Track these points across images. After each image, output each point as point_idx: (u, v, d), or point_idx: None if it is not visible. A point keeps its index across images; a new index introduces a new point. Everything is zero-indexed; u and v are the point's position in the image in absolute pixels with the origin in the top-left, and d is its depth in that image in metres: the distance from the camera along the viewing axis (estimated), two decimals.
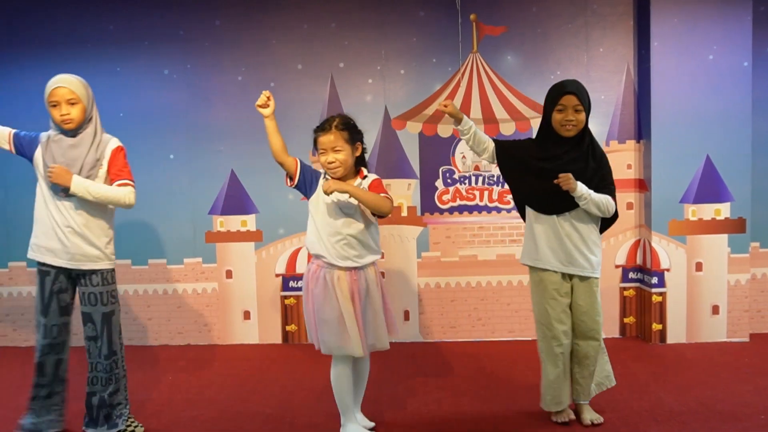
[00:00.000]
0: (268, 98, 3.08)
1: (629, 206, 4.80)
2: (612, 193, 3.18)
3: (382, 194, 3.03)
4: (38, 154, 3.11)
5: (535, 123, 4.75)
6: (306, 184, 3.14)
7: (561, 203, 3.14)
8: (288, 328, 4.93)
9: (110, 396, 3.22)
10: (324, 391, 3.85)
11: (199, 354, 4.64)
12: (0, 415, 3.60)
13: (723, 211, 4.60)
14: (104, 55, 4.82)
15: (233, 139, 4.84)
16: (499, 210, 4.82)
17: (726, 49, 4.50)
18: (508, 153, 3.29)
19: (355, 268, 3.04)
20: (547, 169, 3.14)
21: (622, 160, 4.77)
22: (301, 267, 4.88)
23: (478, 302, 4.87)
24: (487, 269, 4.85)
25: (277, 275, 4.90)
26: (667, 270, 4.64)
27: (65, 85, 3.08)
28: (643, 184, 4.73)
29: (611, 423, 3.26)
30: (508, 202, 4.80)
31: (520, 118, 4.76)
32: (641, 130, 4.73)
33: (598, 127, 4.75)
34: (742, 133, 4.54)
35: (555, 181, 3.04)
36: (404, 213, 4.84)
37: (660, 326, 4.66)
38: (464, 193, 4.83)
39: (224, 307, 4.92)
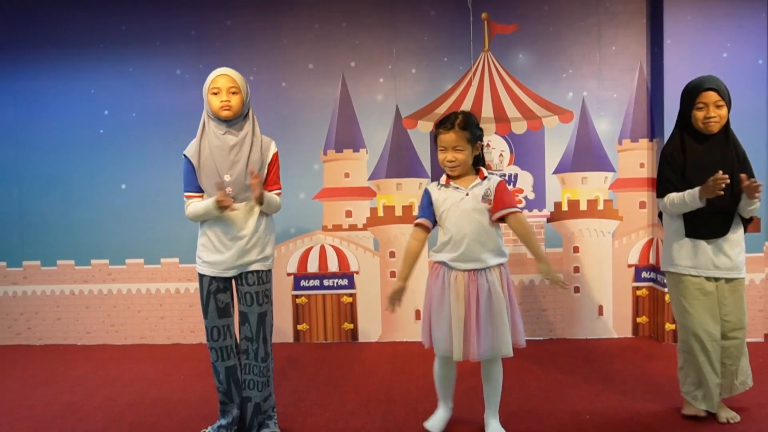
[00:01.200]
0: None
1: (642, 205, 4.77)
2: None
3: (513, 210, 3.02)
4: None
5: (547, 122, 4.73)
6: (433, 218, 3.14)
7: (724, 227, 3.18)
8: (299, 327, 4.94)
9: (264, 401, 3.18)
10: (334, 389, 3.86)
11: None
12: (13, 412, 3.62)
13: None
14: (117, 55, 4.85)
15: None
16: None
17: (740, 47, 4.46)
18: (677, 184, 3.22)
19: (475, 270, 3.02)
20: (697, 171, 3.11)
21: (635, 158, 4.74)
22: (312, 266, 4.89)
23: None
24: None
25: (289, 274, 4.91)
26: None
27: (228, 74, 3.04)
28: (655, 183, 4.70)
29: (625, 424, 3.24)
30: (520, 201, 4.78)
31: (531, 117, 4.74)
32: (654, 128, 4.70)
33: (610, 126, 4.73)
34: (756, 131, 4.50)
35: (743, 186, 3.02)
36: (415, 212, 4.82)
37: (673, 326, 4.63)
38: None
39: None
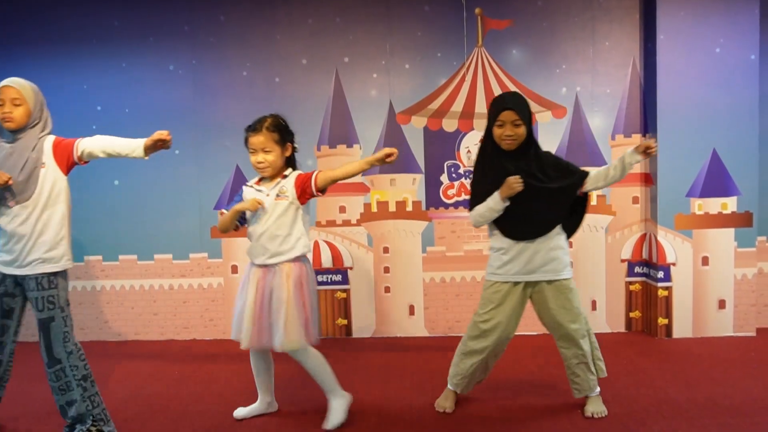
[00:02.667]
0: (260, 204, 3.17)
1: (635, 200, 4.78)
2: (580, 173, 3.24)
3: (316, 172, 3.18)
4: None
5: (541, 117, 4.74)
6: (242, 217, 3.28)
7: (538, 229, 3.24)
8: None
9: (68, 405, 3.12)
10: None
11: (204, 349, 4.65)
12: (9, 409, 3.61)
13: (730, 205, 4.58)
14: (109, 51, 4.82)
15: (239, 134, 4.73)
16: None
17: (733, 42, 4.48)
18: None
19: (267, 266, 3.16)
20: (494, 186, 3.20)
21: None
22: None
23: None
24: None
25: None
26: (673, 264, 4.62)
27: (13, 85, 3.04)
28: (649, 178, 4.72)
29: (618, 418, 3.26)
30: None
31: None
32: (647, 124, 4.71)
33: (604, 121, 4.74)
34: (749, 126, 4.52)
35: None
36: (409, 208, 4.83)
37: (666, 321, 4.65)
38: (469, 187, 4.81)
39: (230, 302, 4.93)
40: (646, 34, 4.65)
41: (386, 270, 4.89)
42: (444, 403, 3.42)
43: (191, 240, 4.92)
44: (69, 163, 3.15)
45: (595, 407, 3.31)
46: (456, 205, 4.82)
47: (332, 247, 4.89)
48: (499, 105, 3.18)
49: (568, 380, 3.39)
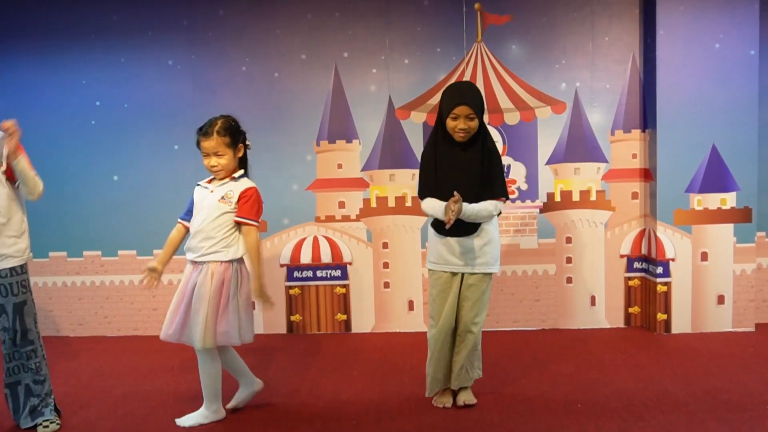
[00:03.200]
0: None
1: (634, 196, 4.78)
2: (501, 195, 3.30)
3: (245, 220, 3.20)
4: None
5: (540, 113, 4.74)
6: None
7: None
8: (293, 318, 4.95)
9: (35, 385, 3.24)
10: (328, 379, 3.87)
11: None
12: (7, 406, 3.62)
13: (729, 200, 4.58)
14: (108, 46, 4.81)
15: None
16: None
17: (732, 37, 4.47)
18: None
19: (196, 262, 3.22)
20: (440, 178, 3.29)
21: (627, 149, 4.76)
22: (305, 257, 4.89)
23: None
24: None
25: (282, 265, 4.90)
26: (672, 260, 4.63)
27: None
28: (648, 174, 4.72)
29: (617, 412, 3.27)
30: (513, 192, 4.79)
31: (525, 108, 4.75)
32: (647, 119, 4.71)
33: (603, 116, 4.74)
34: (748, 122, 4.52)
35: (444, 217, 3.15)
36: (408, 203, 4.83)
37: (665, 316, 4.66)
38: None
39: None
40: (645, 30, 4.64)
41: (385, 265, 4.89)
42: (442, 398, 3.43)
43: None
44: None
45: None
46: None
47: (331, 243, 4.89)
48: (455, 98, 3.21)
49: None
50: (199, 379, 3.29)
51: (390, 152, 4.80)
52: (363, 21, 4.76)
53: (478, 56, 4.75)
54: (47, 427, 3.21)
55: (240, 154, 3.26)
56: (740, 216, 4.59)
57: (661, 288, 4.63)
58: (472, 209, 3.18)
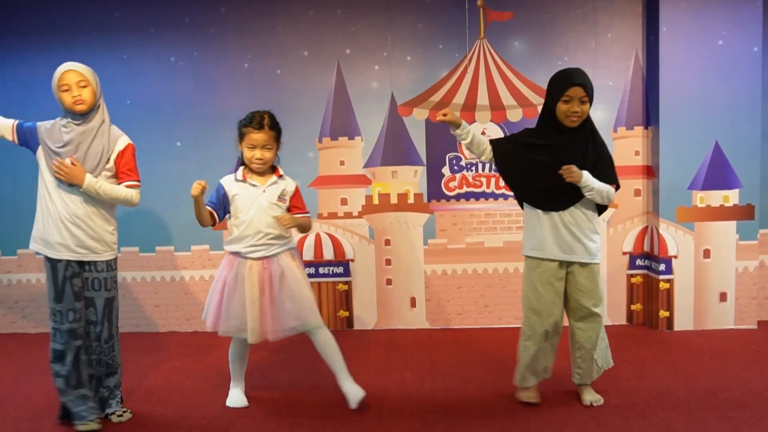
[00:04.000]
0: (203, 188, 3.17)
1: (637, 193, 4.78)
2: (612, 182, 3.19)
3: (306, 214, 3.37)
4: (41, 145, 3.15)
5: None
6: (224, 211, 3.32)
7: (563, 199, 3.18)
8: None
9: (107, 378, 3.30)
10: (330, 376, 3.87)
11: (206, 340, 4.66)
12: (11, 400, 3.63)
13: (731, 197, 4.57)
14: (110, 42, 4.82)
15: None
16: (506, 197, 4.81)
17: (736, 34, 4.46)
18: (504, 152, 3.32)
19: (267, 258, 3.25)
20: (544, 162, 3.17)
21: (630, 146, 4.75)
22: (307, 254, 4.89)
23: (485, 289, 4.87)
24: (493, 256, 4.84)
25: None
26: (675, 257, 4.62)
27: (74, 68, 3.13)
28: (651, 171, 4.71)
29: (618, 410, 3.27)
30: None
31: (527, 105, 4.74)
32: (649, 116, 4.70)
33: (606, 113, 4.73)
34: (751, 119, 4.51)
35: (560, 171, 3.06)
36: (411, 200, 4.83)
37: (667, 313, 4.66)
38: (471, 180, 4.82)
39: None
40: (648, 26, 4.63)
41: (388, 262, 4.89)
42: (529, 393, 3.40)
43: (193, 232, 4.90)
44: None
45: (593, 395, 3.36)
46: (458, 197, 4.82)
47: (334, 240, 4.89)
48: (568, 80, 3.14)
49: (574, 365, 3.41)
50: (332, 358, 3.35)
51: (392, 149, 4.80)
52: (365, 18, 4.75)
53: (480, 53, 4.75)
54: (121, 416, 3.28)
55: (278, 151, 3.33)
56: (743, 213, 4.58)
57: (663, 285, 4.63)
58: (594, 181, 3.10)
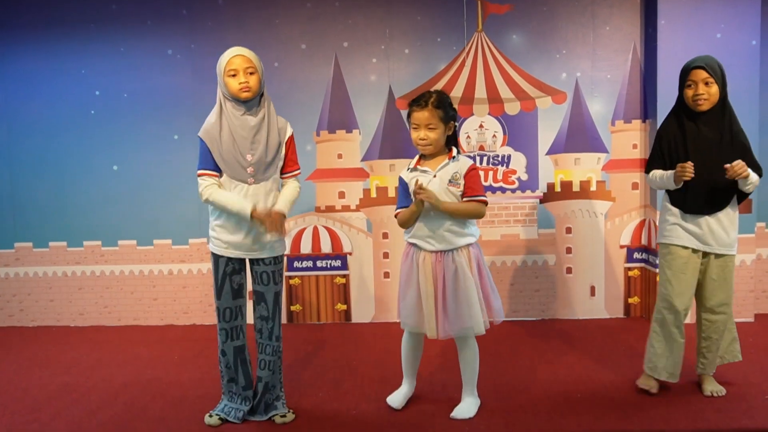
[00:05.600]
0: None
1: (635, 186, 4.78)
2: (754, 168, 3.18)
3: (478, 197, 3.05)
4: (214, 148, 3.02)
5: (540, 103, 4.73)
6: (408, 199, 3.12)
7: (714, 203, 3.21)
8: (293, 308, 4.95)
9: (276, 381, 3.23)
10: (328, 369, 3.88)
11: (204, 333, 4.66)
12: (9, 394, 3.63)
13: None
14: (107, 35, 4.80)
15: None
16: (503, 190, 4.81)
17: (734, 27, 4.45)
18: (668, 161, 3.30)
19: (442, 251, 3.07)
20: (686, 150, 3.18)
21: (628, 139, 4.75)
22: (305, 247, 4.89)
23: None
24: (491, 249, 4.84)
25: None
26: None
27: (243, 53, 3.03)
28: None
29: (616, 403, 3.27)
30: (513, 183, 4.79)
31: (525, 98, 4.74)
32: (647, 109, 4.70)
33: (603, 106, 4.73)
34: (749, 112, 4.49)
35: (727, 174, 3.05)
36: None
37: None
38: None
39: None
40: (646, 19, 4.63)
41: (385, 255, 4.89)
42: (649, 382, 3.39)
43: (191, 225, 4.92)
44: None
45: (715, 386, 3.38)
46: None
47: (331, 233, 4.89)
48: (689, 65, 3.18)
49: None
50: (465, 369, 3.22)
51: (390, 142, 4.80)
52: (363, 10, 4.74)
53: (478, 46, 4.74)
54: (284, 416, 3.19)
55: (450, 132, 3.11)
56: (740, 206, 4.56)
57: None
58: (754, 175, 3.11)
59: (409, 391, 3.34)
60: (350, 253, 4.91)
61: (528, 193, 4.82)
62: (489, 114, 4.76)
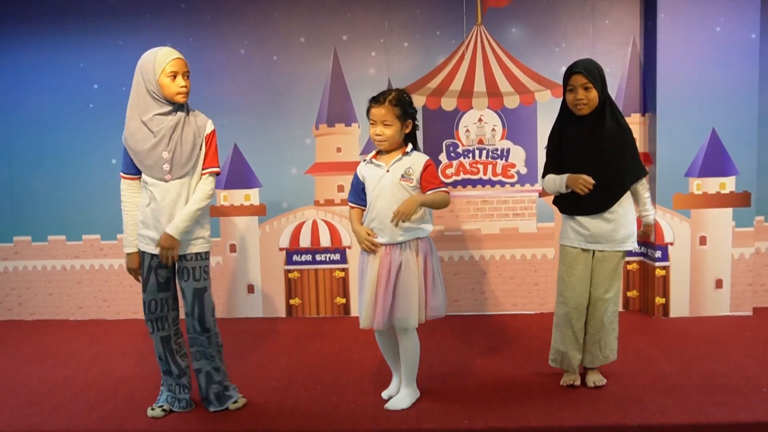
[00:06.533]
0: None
1: None
2: (637, 169, 3.30)
3: (441, 189, 3.12)
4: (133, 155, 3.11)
5: (540, 96, 4.72)
6: (364, 196, 3.20)
7: (596, 205, 3.28)
8: (292, 301, 4.96)
9: (216, 371, 3.25)
10: (327, 363, 3.89)
11: None
12: (8, 387, 3.63)
13: (728, 184, 4.58)
14: (106, 28, 4.78)
15: (236, 113, 4.82)
16: (502, 184, 4.81)
17: (733, 20, 4.45)
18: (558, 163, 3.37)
19: (390, 244, 3.11)
20: (570, 153, 3.27)
21: None
22: (304, 241, 4.89)
23: (481, 276, 4.87)
24: (490, 243, 4.85)
25: (281, 249, 4.91)
26: (671, 244, 4.63)
27: (181, 57, 3.05)
28: (647, 158, 4.71)
29: (615, 396, 3.28)
30: (512, 176, 4.79)
31: (524, 92, 4.73)
32: (646, 103, 4.69)
33: None
34: (748, 106, 4.50)
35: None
36: None
37: (663, 300, 4.67)
38: (468, 166, 4.82)
39: (228, 281, 4.94)
40: (646, 13, 4.62)
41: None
42: (570, 377, 3.44)
43: None
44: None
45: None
46: (455, 184, 4.81)
47: (330, 227, 4.89)
48: (569, 70, 3.23)
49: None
50: (404, 361, 3.23)
51: None
52: (362, 4, 4.73)
53: (477, 39, 4.73)
54: (237, 402, 3.26)
55: (407, 130, 3.16)
56: (739, 200, 4.59)
57: (659, 272, 4.64)
58: (650, 212, 3.41)
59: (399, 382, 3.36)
60: (349, 247, 4.91)
61: (527, 186, 4.82)
62: (488, 107, 4.75)
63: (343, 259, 4.92)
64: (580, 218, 3.30)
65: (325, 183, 4.87)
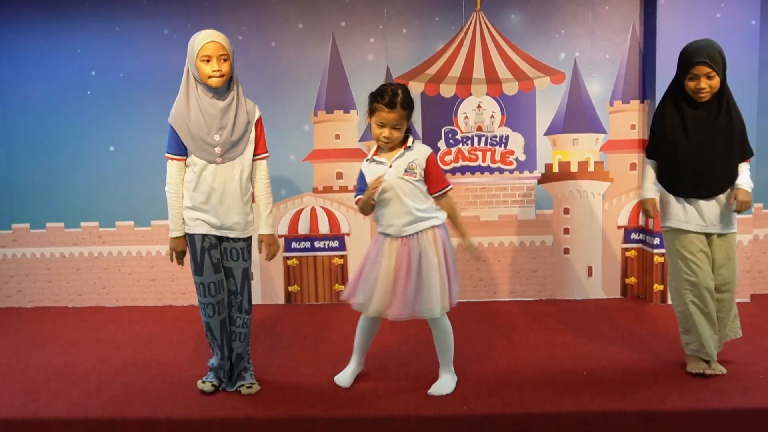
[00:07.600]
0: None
1: (632, 167, 4.77)
2: (745, 152, 3.30)
3: (446, 189, 3.19)
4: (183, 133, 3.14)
5: (539, 83, 4.71)
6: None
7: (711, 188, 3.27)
8: (291, 288, 4.96)
9: (246, 354, 3.34)
10: (326, 349, 3.90)
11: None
12: (7, 375, 3.64)
13: None
14: (103, 14, 4.75)
15: None
16: (501, 171, 4.81)
17: (734, 7, 4.43)
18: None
19: (406, 236, 3.11)
20: (683, 145, 3.24)
21: (626, 120, 4.74)
22: (303, 228, 4.89)
23: (480, 263, 4.88)
24: (489, 230, 4.85)
25: (280, 236, 4.91)
26: None
27: (217, 40, 3.03)
28: (646, 145, 4.69)
29: (613, 382, 3.29)
30: (511, 163, 4.78)
31: (523, 78, 4.71)
32: (646, 89, 4.68)
33: (602, 87, 4.72)
34: (748, 92, 4.49)
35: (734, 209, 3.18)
36: None
37: (661, 287, 4.68)
38: (466, 153, 4.81)
39: None
40: None
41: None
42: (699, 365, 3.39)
43: None
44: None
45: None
46: (453, 171, 4.81)
47: (329, 214, 4.89)
48: (690, 58, 3.19)
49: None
50: (439, 348, 3.27)
51: None
52: None
53: (476, 25, 4.71)
54: (250, 387, 3.28)
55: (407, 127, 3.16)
56: None
57: (657, 259, 4.64)
58: (749, 184, 3.25)
59: (356, 368, 3.41)
60: (348, 234, 4.91)
61: (526, 173, 4.81)
62: (487, 94, 4.74)
63: (342, 246, 4.92)
64: (696, 201, 3.26)
65: (323, 170, 4.86)
